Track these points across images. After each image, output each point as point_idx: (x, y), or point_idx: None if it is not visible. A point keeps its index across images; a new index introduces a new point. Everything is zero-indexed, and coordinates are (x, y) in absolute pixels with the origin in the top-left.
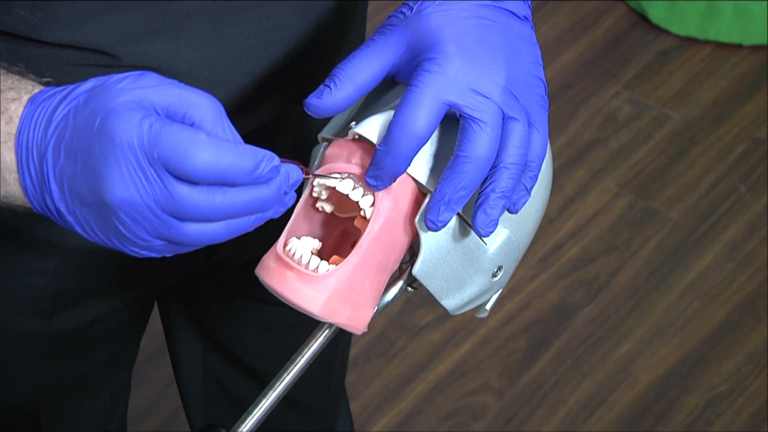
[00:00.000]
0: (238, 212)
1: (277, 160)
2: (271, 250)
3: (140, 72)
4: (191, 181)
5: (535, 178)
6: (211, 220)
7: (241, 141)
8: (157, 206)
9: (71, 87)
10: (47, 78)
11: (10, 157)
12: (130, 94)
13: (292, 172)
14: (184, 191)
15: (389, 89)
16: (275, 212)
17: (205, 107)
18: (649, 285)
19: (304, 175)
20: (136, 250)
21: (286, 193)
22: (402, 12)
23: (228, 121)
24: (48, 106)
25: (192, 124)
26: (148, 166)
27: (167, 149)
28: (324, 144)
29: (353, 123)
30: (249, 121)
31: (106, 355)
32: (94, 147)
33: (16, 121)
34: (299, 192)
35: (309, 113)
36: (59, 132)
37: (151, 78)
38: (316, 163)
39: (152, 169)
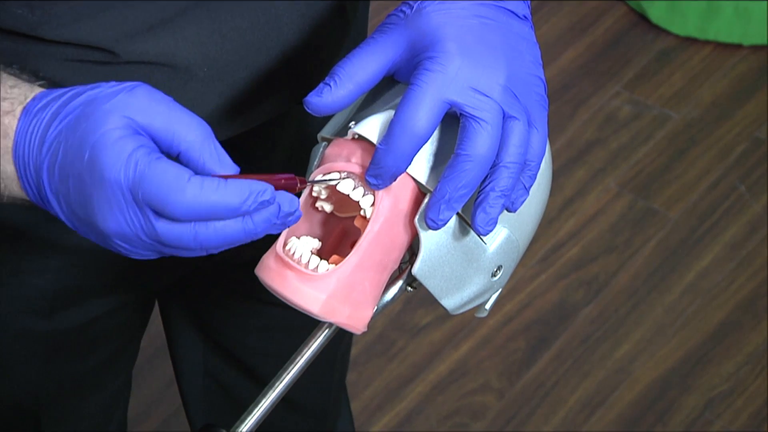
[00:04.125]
0: (224, 243)
1: (268, 193)
2: (271, 249)
3: (132, 85)
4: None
5: (534, 178)
6: (196, 249)
7: (230, 163)
8: (145, 236)
9: (63, 98)
10: (41, 81)
11: (10, 168)
12: (119, 117)
13: (285, 203)
14: (167, 228)
15: (389, 88)
16: (273, 231)
17: (194, 130)
18: (649, 285)
19: (299, 185)
20: (134, 256)
21: (282, 223)
22: (402, 11)
23: (217, 144)
24: (41, 120)
25: (179, 153)
26: (133, 205)
27: (151, 190)
28: (323, 144)
29: (353, 122)
30: (249, 119)
31: (106, 355)
32: (85, 179)
33: (11, 134)
34: (299, 193)
35: (309, 111)
36: (53, 152)
37: (142, 95)
38: (315, 163)
39: (137, 208)
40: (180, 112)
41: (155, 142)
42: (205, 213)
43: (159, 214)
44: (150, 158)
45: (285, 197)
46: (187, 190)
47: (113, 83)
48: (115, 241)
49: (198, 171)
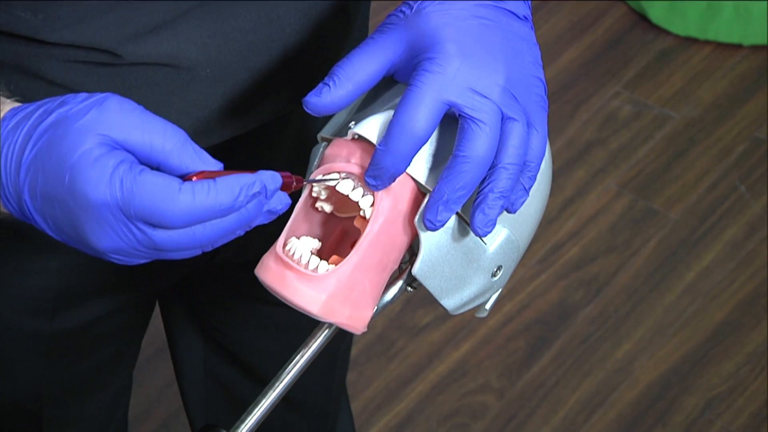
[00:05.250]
0: (220, 236)
1: (258, 184)
2: (271, 250)
3: (102, 98)
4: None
5: (533, 179)
6: (195, 248)
7: (212, 161)
8: (142, 247)
9: (32, 119)
10: (15, 97)
11: None
12: (94, 135)
13: (268, 180)
14: (164, 236)
15: (388, 88)
16: (263, 221)
17: (171, 138)
18: (649, 285)
19: (295, 184)
20: (130, 264)
21: (271, 210)
22: (402, 11)
23: (195, 145)
24: (14, 143)
25: (159, 163)
26: (126, 222)
27: (142, 206)
28: (323, 144)
29: (352, 123)
30: (250, 119)
31: (107, 355)
32: (69, 203)
33: None
34: (299, 193)
35: (308, 111)
36: (31, 177)
37: (114, 109)
38: (315, 163)
39: (130, 224)
40: (154, 121)
41: (133, 155)
42: (200, 217)
43: (154, 225)
44: (134, 173)
45: (267, 175)
46: (180, 199)
47: (82, 96)
48: (111, 256)
49: (181, 175)
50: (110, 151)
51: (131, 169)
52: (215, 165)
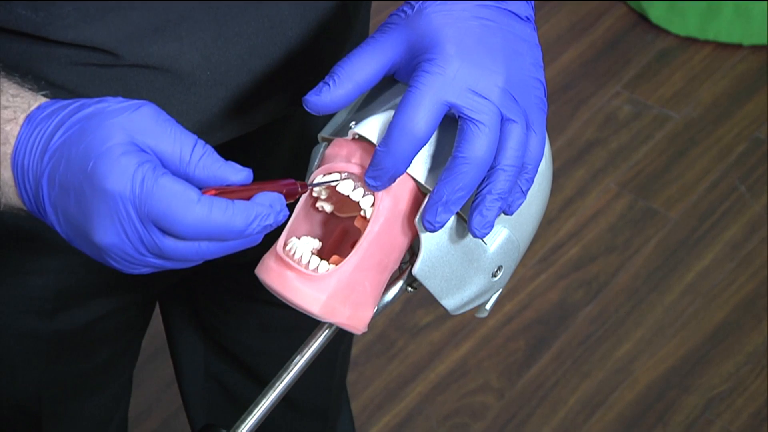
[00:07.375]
0: (224, 254)
1: (271, 218)
2: (271, 249)
3: (138, 104)
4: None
5: (531, 181)
6: (197, 261)
7: (240, 167)
8: (145, 250)
9: (69, 109)
10: (44, 91)
11: (8, 175)
12: (125, 133)
13: (276, 204)
14: (171, 245)
15: (389, 87)
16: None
17: (199, 149)
18: (649, 285)
19: (300, 190)
20: (128, 271)
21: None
22: (403, 10)
23: (221, 159)
24: (45, 129)
25: (186, 173)
26: (137, 220)
27: (158, 208)
28: (324, 144)
29: (353, 123)
30: (250, 121)
31: (107, 356)
32: (86, 190)
33: (12, 141)
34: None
35: (308, 110)
36: (54, 162)
37: (147, 115)
38: (315, 163)
39: (141, 223)
40: (184, 133)
41: (161, 163)
42: (210, 233)
43: (164, 231)
44: (156, 174)
45: (273, 197)
46: (196, 210)
47: (120, 99)
48: (111, 254)
49: (210, 183)
50: (138, 151)
51: (155, 170)
52: (242, 172)
